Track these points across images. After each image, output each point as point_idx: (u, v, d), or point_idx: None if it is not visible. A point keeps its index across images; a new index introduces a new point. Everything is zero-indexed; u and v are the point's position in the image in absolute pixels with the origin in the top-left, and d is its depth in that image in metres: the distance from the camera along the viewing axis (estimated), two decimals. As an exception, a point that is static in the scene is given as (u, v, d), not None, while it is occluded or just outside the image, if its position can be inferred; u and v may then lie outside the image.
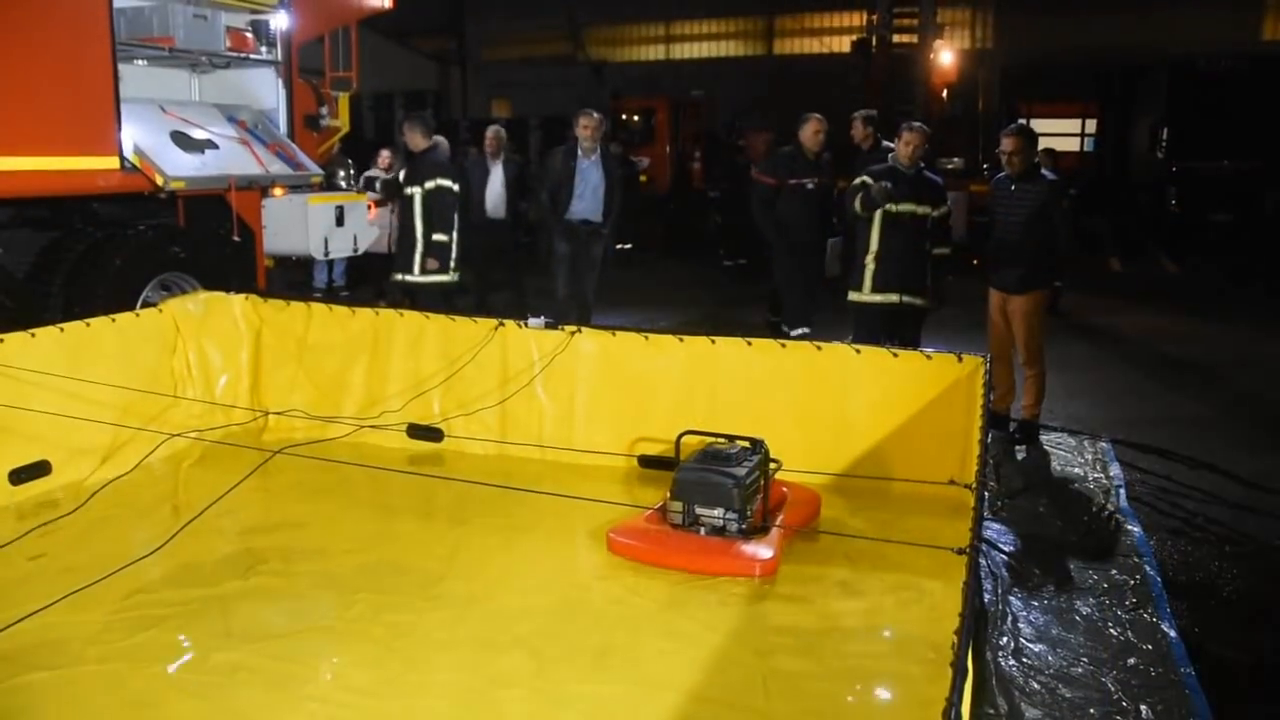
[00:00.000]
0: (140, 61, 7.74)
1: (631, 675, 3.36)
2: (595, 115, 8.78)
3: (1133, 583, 4.71)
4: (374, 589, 3.93)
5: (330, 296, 11.66)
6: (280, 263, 9.24)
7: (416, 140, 8.12)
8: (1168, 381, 8.92)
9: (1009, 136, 6.82)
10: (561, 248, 8.90)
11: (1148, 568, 4.88)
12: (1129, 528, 5.41)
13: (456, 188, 8.03)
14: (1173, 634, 4.21)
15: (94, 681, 3.25)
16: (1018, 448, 6.81)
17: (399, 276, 8.11)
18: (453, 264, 8.07)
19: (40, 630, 3.51)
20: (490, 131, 10.99)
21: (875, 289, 6.93)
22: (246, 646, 3.46)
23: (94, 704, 3.15)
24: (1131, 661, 3.98)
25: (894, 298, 6.90)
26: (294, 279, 11.97)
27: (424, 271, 7.96)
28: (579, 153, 8.77)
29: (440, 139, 8.47)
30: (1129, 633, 4.22)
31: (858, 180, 7.04)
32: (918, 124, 7.09)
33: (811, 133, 8.16)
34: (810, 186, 8.13)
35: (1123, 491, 5.95)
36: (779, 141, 12.57)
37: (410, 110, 24.80)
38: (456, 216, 8.05)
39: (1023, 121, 24.74)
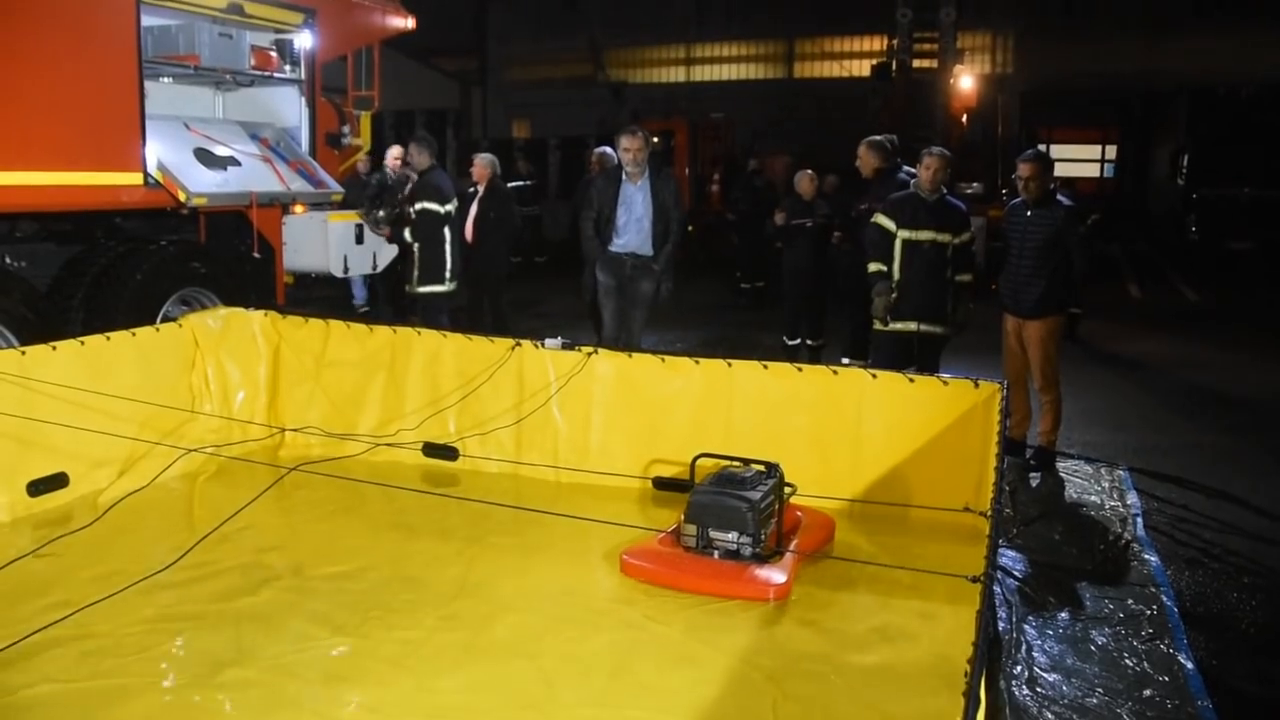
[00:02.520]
0: (166, 79, 7.82)
1: (643, 698, 3.36)
2: (640, 134, 7.56)
3: (1149, 613, 4.67)
4: (387, 607, 3.93)
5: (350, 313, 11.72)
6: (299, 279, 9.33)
7: (423, 160, 8.64)
8: (1186, 409, 8.86)
9: (1026, 163, 6.81)
10: (605, 281, 7.71)
11: (1165, 598, 4.84)
12: (1146, 557, 5.37)
13: (443, 210, 8.53)
14: (1190, 665, 4.17)
15: (105, 695, 3.26)
16: (1033, 474, 6.77)
17: (406, 288, 8.83)
18: (448, 275, 8.64)
19: (53, 642, 3.53)
20: (595, 154, 10.94)
21: (894, 317, 6.90)
22: (258, 662, 3.47)
23: (104, 717, 3.16)
24: (1148, 693, 3.94)
25: (911, 326, 6.87)
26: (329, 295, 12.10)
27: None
28: (623, 177, 7.57)
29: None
30: (1145, 663, 4.18)
31: (874, 219, 7.04)
32: (938, 149, 7.03)
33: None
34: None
35: (1140, 520, 5.91)
36: (796, 165, 12.58)
37: (431, 129, 24.98)
38: (448, 232, 8.61)
39: (1040, 148, 24.78)
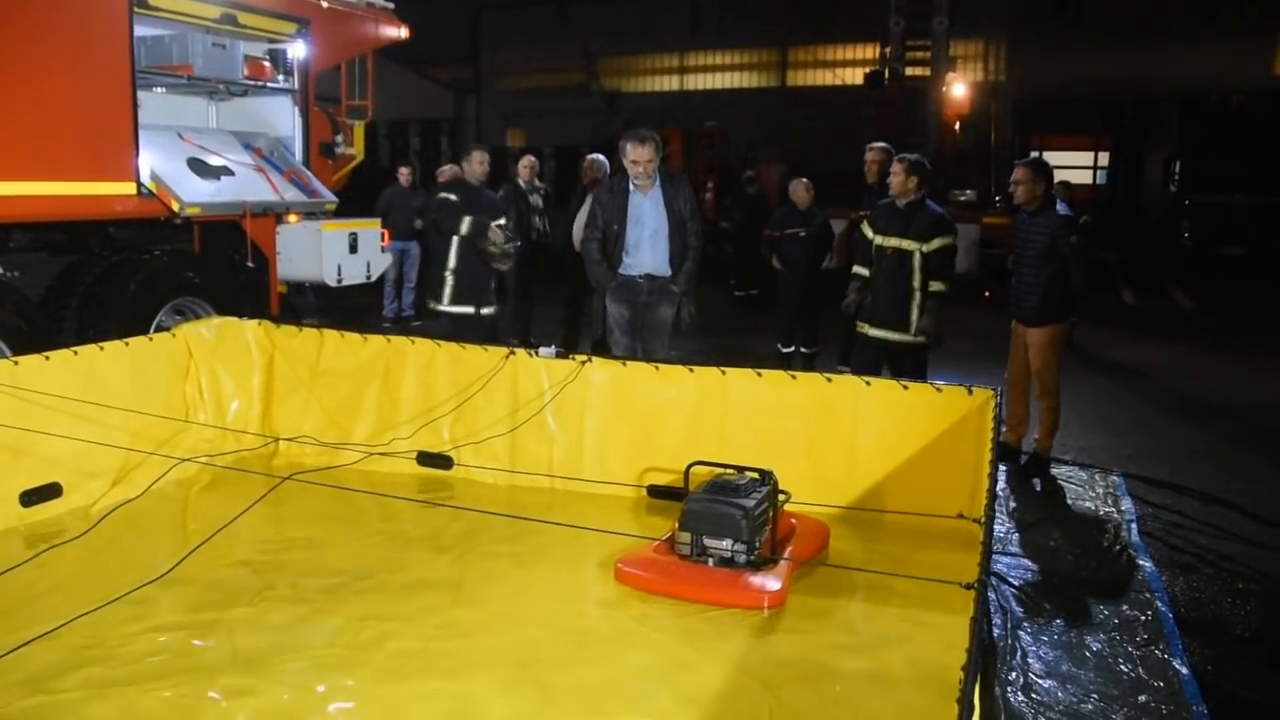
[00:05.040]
0: (159, 89, 7.83)
1: (638, 707, 3.35)
2: (651, 141, 6.57)
3: (1144, 618, 4.67)
4: (381, 616, 3.92)
5: (401, 328, 11.70)
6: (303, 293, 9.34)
7: (486, 172, 8.06)
8: (1180, 415, 8.88)
9: (1018, 167, 6.94)
10: (617, 313, 6.77)
11: (1159, 603, 4.85)
12: (1140, 563, 5.38)
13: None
14: (1185, 671, 4.18)
15: (100, 706, 3.24)
16: (1029, 480, 6.78)
17: (475, 310, 7.80)
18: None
19: (46, 654, 3.51)
20: (586, 162, 10.47)
21: (861, 319, 7.08)
22: (253, 672, 3.46)
23: (99, 729, 3.14)
24: (1142, 699, 3.95)
25: (866, 329, 7.02)
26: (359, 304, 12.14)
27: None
28: (631, 188, 6.62)
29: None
30: (1140, 669, 4.18)
31: (861, 224, 7.21)
32: (910, 155, 7.13)
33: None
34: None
35: (1134, 526, 5.92)
36: (791, 173, 12.61)
37: (425, 139, 25.02)
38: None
39: (1034, 154, 24.87)
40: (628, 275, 6.69)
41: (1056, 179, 7.31)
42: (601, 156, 10.38)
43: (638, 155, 6.49)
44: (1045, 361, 6.87)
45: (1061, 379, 7.04)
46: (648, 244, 6.63)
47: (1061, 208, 6.92)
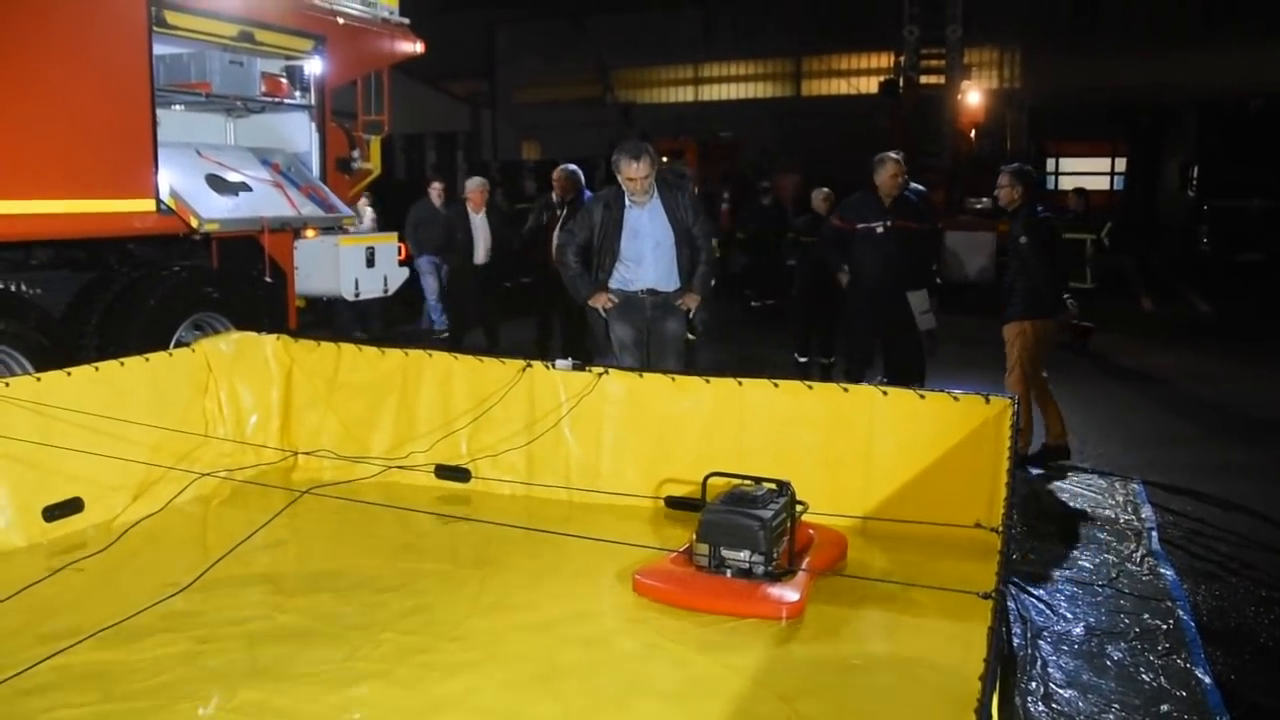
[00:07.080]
0: (178, 106, 7.90)
1: (655, 718, 3.35)
2: (647, 156, 6.12)
3: (1165, 627, 4.64)
4: (400, 629, 3.94)
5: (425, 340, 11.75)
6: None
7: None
8: (1200, 422, 8.83)
9: (1001, 173, 7.43)
10: (622, 331, 6.41)
11: (1181, 612, 4.81)
12: (1161, 570, 5.35)
13: None
14: (1207, 681, 4.15)
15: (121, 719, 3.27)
16: (1044, 487, 6.76)
17: None
18: None
19: (67, 668, 3.54)
20: (561, 174, 10.28)
21: None
22: (272, 686, 3.47)
23: (122, 742, 3.17)
24: (1165, 709, 3.92)
25: None
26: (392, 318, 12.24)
27: None
28: (626, 202, 6.23)
29: None
30: (1162, 679, 4.16)
31: None
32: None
33: (888, 176, 7.77)
34: (880, 230, 7.88)
35: (1155, 534, 5.89)
36: (806, 183, 12.63)
37: (441, 152, 25.11)
38: None
39: (1050, 161, 24.73)
40: (629, 291, 6.33)
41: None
42: (574, 167, 10.29)
43: (632, 172, 6.08)
44: (1014, 359, 7.11)
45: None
46: (649, 257, 6.27)
47: (1041, 210, 7.23)
